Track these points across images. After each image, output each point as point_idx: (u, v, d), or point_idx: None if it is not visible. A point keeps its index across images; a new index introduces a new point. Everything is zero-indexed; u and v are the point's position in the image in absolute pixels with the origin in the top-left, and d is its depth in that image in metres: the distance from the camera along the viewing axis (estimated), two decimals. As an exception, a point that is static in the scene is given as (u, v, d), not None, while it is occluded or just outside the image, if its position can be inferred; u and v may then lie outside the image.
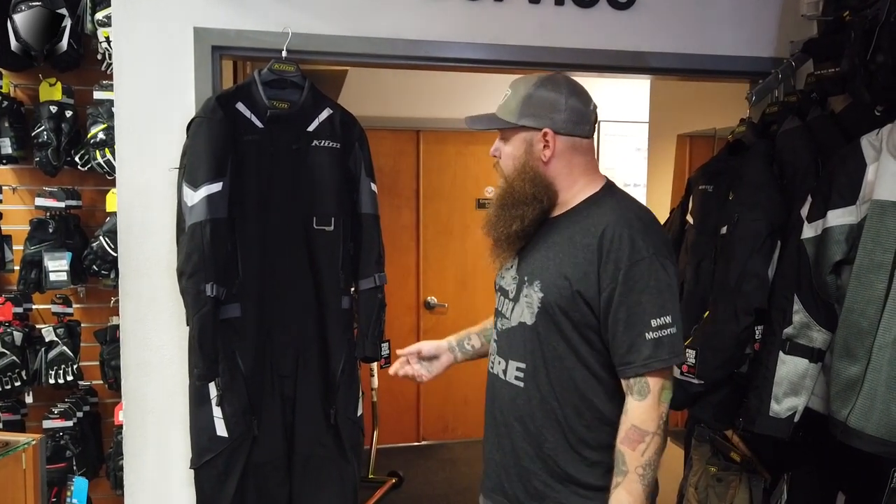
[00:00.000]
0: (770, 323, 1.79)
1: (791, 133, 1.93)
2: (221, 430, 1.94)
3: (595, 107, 1.47)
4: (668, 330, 1.34)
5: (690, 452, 2.33)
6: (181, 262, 1.84)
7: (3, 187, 2.53)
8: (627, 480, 1.33)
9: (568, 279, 1.39)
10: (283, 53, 2.00)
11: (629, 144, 4.72)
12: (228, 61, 2.38)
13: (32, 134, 2.42)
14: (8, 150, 2.41)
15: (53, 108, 2.41)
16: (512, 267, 1.52)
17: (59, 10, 2.24)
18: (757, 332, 1.84)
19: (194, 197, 1.83)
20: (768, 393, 1.73)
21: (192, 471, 1.95)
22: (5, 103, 2.42)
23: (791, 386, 1.70)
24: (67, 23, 2.28)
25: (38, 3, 2.16)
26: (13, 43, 2.12)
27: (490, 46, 2.16)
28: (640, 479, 1.32)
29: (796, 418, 1.71)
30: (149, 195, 1.98)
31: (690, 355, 1.92)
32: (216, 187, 1.85)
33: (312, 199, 2.02)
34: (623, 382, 1.37)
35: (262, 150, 1.96)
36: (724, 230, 1.97)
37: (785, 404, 1.71)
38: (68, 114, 2.45)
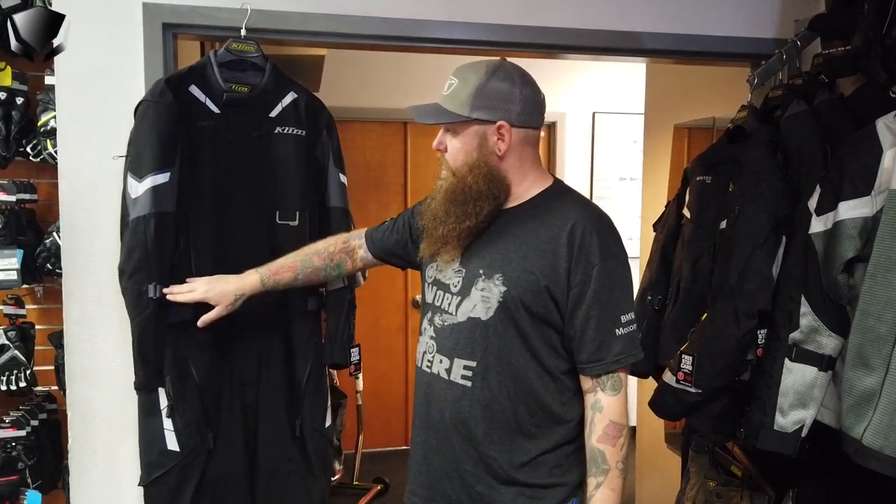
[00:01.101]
0: (774, 326, 1.63)
1: (797, 118, 1.76)
2: (172, 443, 1.77)
3: (544, 96, 1.43)
4: (633, 325, 1.38)
5: (688, 463, 2.17)
6: (122, 259, 1.69)
7: (-49, 180, 2.35)
8: (610, 477, 1.34)
9: (534, 273, 1.34)
10: (242, 32, 1.83)
11: (624, 137, 4.55)
12: (194, 42, 2.22)
13: (-20, 122, 2.24)
14: (-45, 139, 2.24)
15: (2, 95, 2.23)
16: (454, 259, 1.42)
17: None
18: (760, 336, 1.68)
19: (138, 188, 1.67)
20: (773, 404, 1.56)
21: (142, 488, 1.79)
22: (-48, 90, 2.25)
23: (798, 397, 1.53)
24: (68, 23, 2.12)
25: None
26: (13, 43, 1.97)
27: (470, 26, 2.00)
28: (621, 473, 1.35)
29: (804, 433, 1.54)
30: (94, 187, 1.82)
31: (687, 362, 1.76)
32: (163, 178, 1.68)
33: (275, 192, 1.86)
34: (588, 380, 1.37)
35: (219, 137, 1.80)
36: (723, 224, 1.82)
37: (791, 417, 1.54)
38: (19, 100, 2.27)
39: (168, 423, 1.77)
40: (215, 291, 1.64)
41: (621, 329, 1.35)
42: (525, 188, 1.42)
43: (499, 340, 1.36)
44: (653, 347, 2.09)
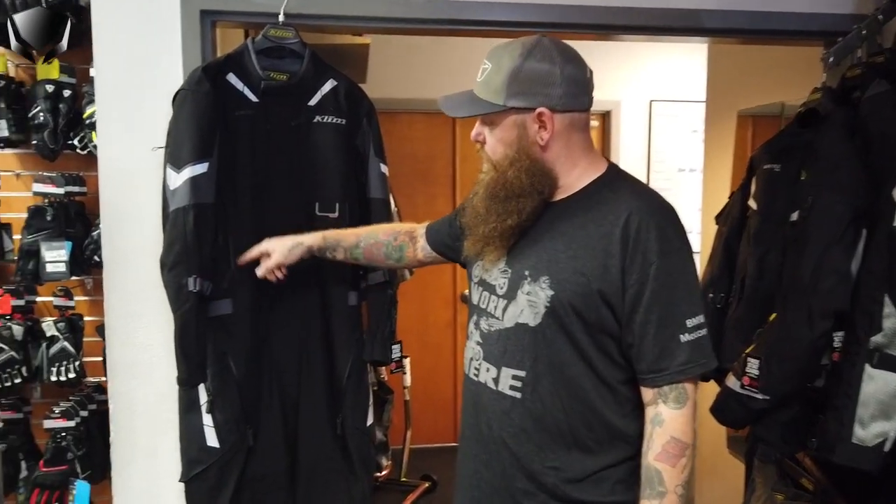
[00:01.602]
0: (853, 329, 1.48)
1: (879, 98, 1.61)
2: (212, 439, 1.74)
3: (591, 72, 1.27)
4: (702, 330, 1.21)
5: (752, 473, 2.02)
6: (163, 252, 1.65)
7: (4, 173, 2.39)
8: (667, 502, 1.18)
9: (585, 275, 1.21)
10: (280, 18, 1.77)
11: (684, 126, 4.35)
12: (235, 29, 2.18)
13: (29, 115, 2.26)
14: (5, 132, 2.26)
15: (50, 88, 2.24)
16: (499, 259, 1.30)
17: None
18: (836, 339, 1.53)
19: (177, 179, 1.63)
20: (851, 415, 1.42)
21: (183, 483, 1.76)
22: (2, 83, 2.27)
23: (880, 407, 1.39)
24: (68, 23, 2.12)
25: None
26: (13, 43, 1.98)
27: (517, 6, 1.90)
28: (680, 499, 1.19)
29: (887, 447, 1.40)
30: (134, 178, 1.79)
31: (753, 365, 1.62)
32: (201, 168, 1.64)
33: (314, 183, 1.80)
34: (650, 391, 1.22)
35: (257, 127, 1.75)
36: (794, 216, 1.67)
37: (872, 430, 1.40)
38: (66, 93, 2.28)
39: (208, 419, 1.74)
40: (273, 241, 1.64)
41: (687, 335, 1.19)
42: (575, 178, 1.28)
43: (548, 349, 1.24)
44: (715, 349, 1.92)
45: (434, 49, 3.81)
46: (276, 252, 1.63)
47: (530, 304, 1.24)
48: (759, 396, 1.63)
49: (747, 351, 1.66)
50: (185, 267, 1.62)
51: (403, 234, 1.65)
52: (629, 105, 4.34)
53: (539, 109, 1.21)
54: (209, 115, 1.66)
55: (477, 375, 1.33)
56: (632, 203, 1.22)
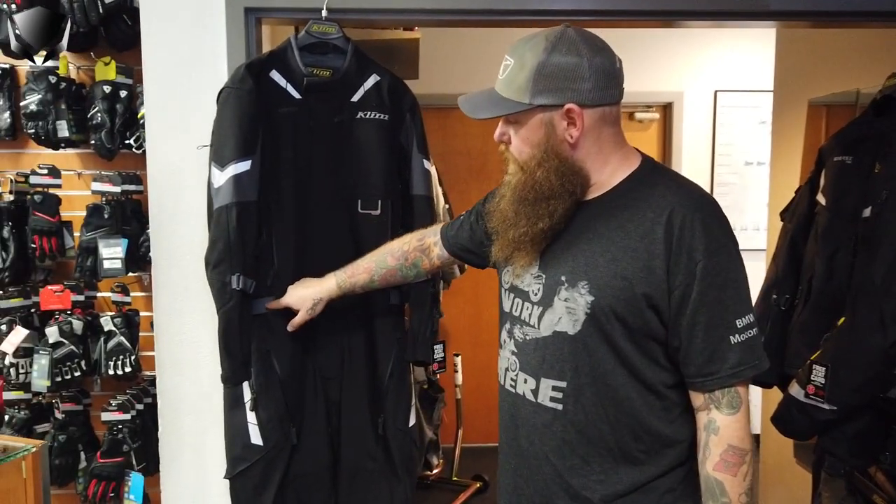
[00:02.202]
0: (932, 336, 1.35)
1: (965, 83, 1.46)
2: (256, 437, 1.74)
3: (621, 62, 1.20)
4: (753, 330, 1.15)
5: (819, 486, 1.89)
6: (207, 250, 1.66)
7: (66, 172, 2.47)
8: None
9: (627, 279, 1.14)
10: (323, 13, 1.75)
11: (751, 117, 4.16)
12: (284, 26, 2.18)
13: (88, 116, 2.33)
14: (65, 132, 2.34)
15: (107, 89, 2.31)
16: (532, 264, 1.23)
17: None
18: (912, 346, 1.40)
19: (220, 177, 1.64)
20: (929, 430, 1.29)
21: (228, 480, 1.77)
22: (63, 85, 2.35)
23: (963, 423, 1.26)
24: (67, 23, 2.16)
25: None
26: (13, 43, 2.03)
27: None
28: None
29: (970, 466, 1.27)
30: (182, 176, 1.81)
31: (819, 373, 1.51)
32: (244, 166, 1.64)
33: (357, 180, 1.78)
34: (700, 396, 1.17)
35: (300, 124, 1.73)
36: (867, 212, 1.57)
37: (953, 447, 1.27)
38: (122, 94, 2.33)
39: (252, 417, 1.74)
40: (295, 297, 1.66)
41: (737, 336, 1.13)
42: (608, 175, 1.21)
43: (590, 357, 1.18)
44: (778, 354, 1.84)
45: (486, 42, 3.73)
46: (302, 310, 1.66)
47: (569, 311, 1.18)
48: (825, 407, 1.52)
49: (813, 357, 1.55)
50: (228, 265, 1.62)
51: (413, 251, 1.61)
52: (692, 96, 4.17)
53: (568, 106, 1.15)
54: (252, 113, 1.65)
55: (514, 387, 1.27)
56: (672, 198, 1.16)
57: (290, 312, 1.72)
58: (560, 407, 1.20)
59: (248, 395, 1.73)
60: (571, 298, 1.18)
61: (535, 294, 1.24)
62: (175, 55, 1.79)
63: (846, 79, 2.48)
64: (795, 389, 1.59)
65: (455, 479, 3.64)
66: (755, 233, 4.11)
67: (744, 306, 1.15)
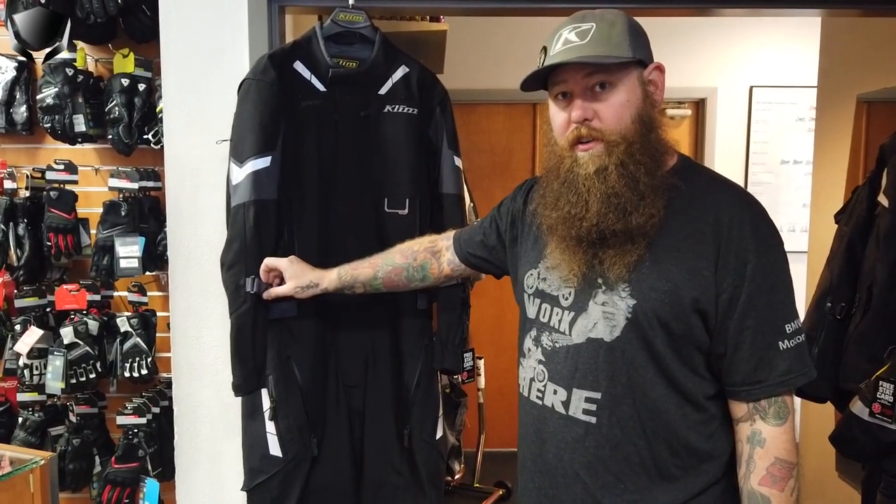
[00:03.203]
0: None
1: None
2: (275, 448, 1.65)
3: None
4: (801, 336, 1.10)
5: (873, 508, 1.76)
6: (223, 250, 1.58)
7: (83, 167, 2.40)
8: None
9: (672, 281, 1.07)
10: (350, 1, 1.65)
11: (788, 113, 4.00)
12: (309, 16, 2.09)
13: (105, 109, 2.25)
14: (82, 127, 2.26)
15: (125, 82, 2.23)
16: (559, 264, 1.14)
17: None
18: None
19: (239, 174, 1.55)
20: None
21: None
22: (80, 78, 2.27)
23: None
24: (68, 23, 2.08)
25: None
26: (13, 43, 1.95)
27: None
28: None
29: None
30: (200, 173, 1.73)
31: (886, 390, 1.39)
32: (263, 163, 1.55)
33: (384, 177, 1.69)
34: (743, 406, 1.10)
35: (324, 118, 1.64)
36: None
37: None
38: (141, 87, 2.25)
39: (271, 427, 1.65)
40: (295, 267, 1.53)
41: (787, 342, 1.07)
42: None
43: (628, 366, 1.10)
44: (832, 366, 1.71)
45: (512, 36, 3.63)
46: (291, 282, 1.52)
47: (606, 315, 1.10)
48: (893, 427, 1.39)
49: (879, 373, 1.43)
50: (242, 266, 1.54)
51: (423, 251, 1.51)
52: (726, 91, 4.02)
53: (657, 63, 1.12)
54: (273, 106, 1.57)
55: (541, 398, 1.18)
56: (718, 197, 1.10)
57: (312, 316, 1.63)
58: (594, 420, 1.12)
59: (266, 403, 1.65)
60: (610, 302, 1.10)
61: (566, 298, 1.15)
62: (195, 46, 1.71)
63: (900, 72, 2.34)
64: (858, 407, 1.47)
65: (477, 485, 3.54)
66: (791, 234, 3.97)
67: (793, 310, 1.10)
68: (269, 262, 1.54)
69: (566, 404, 1.15)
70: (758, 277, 1.06)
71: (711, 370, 1.12)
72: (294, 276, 1.52)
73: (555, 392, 1.16)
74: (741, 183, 4.07)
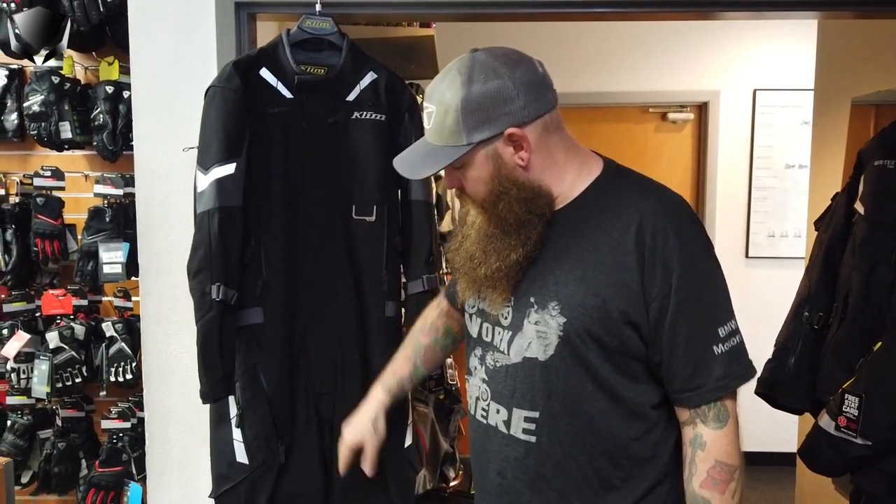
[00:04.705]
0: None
1: None
2: (242, 455, 1.65)
3: (542, 64, 1.13)
4: (736, 337, 1.10)
5: (857, 523, 1.71)
6: (189, 258, 1.58)
7: (71, 174, 2.43)
8: None
9: (600, 296, 1.07)
10: (317, 7, 1.66)
11: (793, 117, 3.93)
12: (273, 22, 2.09)
13: (91, 117, 2.28)
14: (68, 134, 2.30)
15: (110, 89, 2.26)
16: (508, 296, 1.14)
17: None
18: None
19: (204, 181, 1.56)
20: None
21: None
22: (67, 85, 2.31)
23: None
24: (68, 23, 2.10)
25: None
26: (13, 43, 1.98)
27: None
28: None
29: None
30: (169, 179, 1.75)
31: (851, 403, 1.35)
32: (227, 170, 1.55)
33: (352, 184, 1.68)
34: (685, 411, 1.11)
35: (291, 124, 1.64)
36: None
37: None
38: (126, 94, 2.28)
39: (237, 434, 1.65)
40: (352, 431, 1.43)
41: (721, 345, 1.07)
42: (568, 185, 1.14)
43: (564, 384, 1.10)
44: (810, 377, 1.67)
45: (507, 41, 3.61)
46: (368, 439, 1.41)
47: (539, 334, 1.10)
48: (859, 441, 1.36)
49: (845, 386, 1.39)
50: (208, 274, 1.54)
51: (437, 319, 1.50)
52: (729, 95, 3.97)
53: (508, 131, 1.08)
54: (237, 114, 1.57)
55: (486, 417, 1.19)
56: (640, 204, 1.09)
57: (279, 324, 1.64)
58: (533, 439, 1.12)
59: (234, 410, 1.65)
60: (542, 321, 1.10)
61: (506, 318, 1.15)
62: (164, 53, 1.73)
63: (893, 76, 2.28)
64: (825, 420, 1.43)
65: (473, 491, 3.51)
66: (796, 240, 3.88)
67: (726, 312, 1.10)
68: (348, 445, 1.43)
69: (507, 423, 1.15)
70: (685, 285, 1.06)
71: (654, 378, 1.12)
72: (360, 434, 1.42)
73: (497, 411, 1.16)
74: (745, 188, 4.02)
